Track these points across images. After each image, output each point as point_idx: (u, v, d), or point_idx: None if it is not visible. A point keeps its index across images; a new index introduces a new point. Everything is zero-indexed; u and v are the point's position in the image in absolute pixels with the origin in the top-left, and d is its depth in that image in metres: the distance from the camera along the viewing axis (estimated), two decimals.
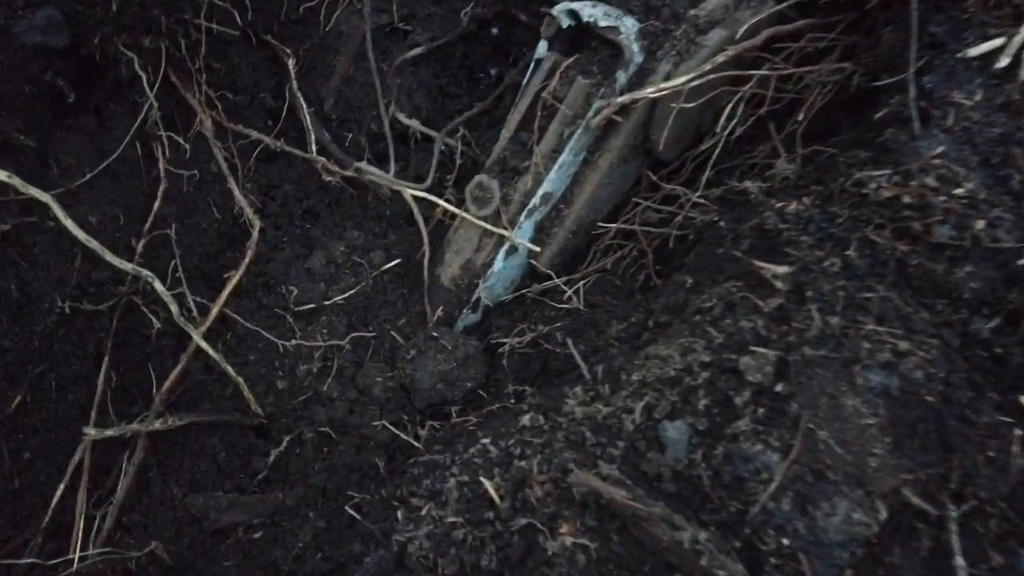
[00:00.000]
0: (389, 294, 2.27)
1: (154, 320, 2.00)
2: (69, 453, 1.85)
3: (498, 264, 2.15)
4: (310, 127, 2.40)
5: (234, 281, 2.14)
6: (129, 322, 2.02)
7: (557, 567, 1.42)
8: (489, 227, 2.10)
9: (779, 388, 1.40)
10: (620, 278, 2.19)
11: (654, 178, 2.11)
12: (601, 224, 2.18)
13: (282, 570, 1.80)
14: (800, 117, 1.91)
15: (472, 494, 1.58)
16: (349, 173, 2.30)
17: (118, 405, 1.98)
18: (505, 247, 2.13)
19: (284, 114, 2.48)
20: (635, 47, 1.94)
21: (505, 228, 2.10)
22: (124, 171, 2.20)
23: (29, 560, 1.78)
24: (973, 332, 1.43)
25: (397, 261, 2.24)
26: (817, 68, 1.87)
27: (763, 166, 2.01)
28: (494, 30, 2.48)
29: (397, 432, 1.97)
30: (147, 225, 2.11)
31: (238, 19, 2.34)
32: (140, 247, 2.05)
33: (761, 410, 1.40)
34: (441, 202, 2.15)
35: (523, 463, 1.59)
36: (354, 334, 2.13)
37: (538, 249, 2.13)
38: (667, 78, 1.94)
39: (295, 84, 2.44)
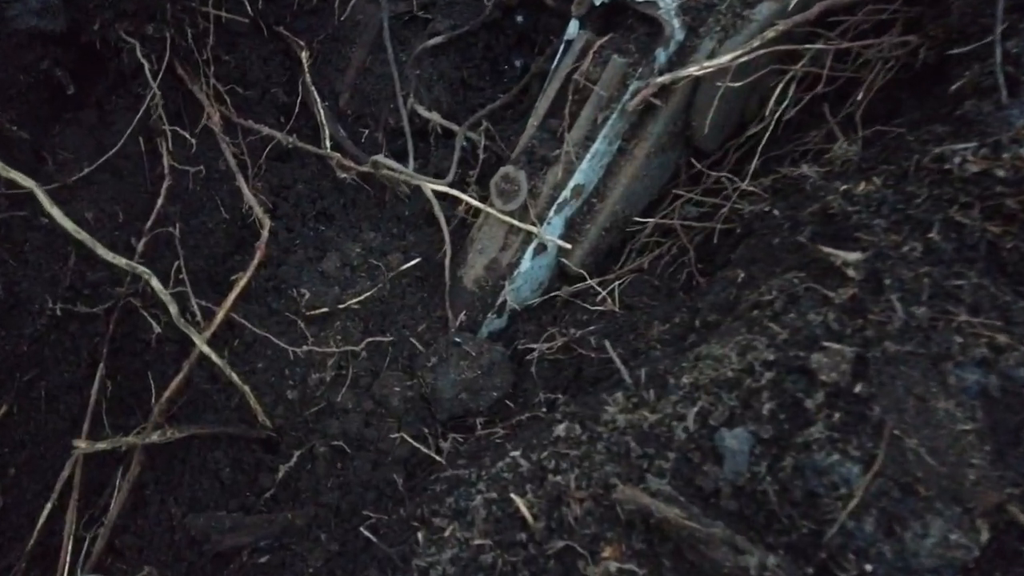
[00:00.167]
0: (408, 298, 2.12)
1: (154, 324, 1.86)
2: (58, 469, 1.70)
3: (525, 264, 1.99)
4: (324, 121, 2.26)
5: (242, 283, 1.99)
6: (127, 326, 1.89)
7: None
8: (516, 223, 1.94)
9: (858, 389, 1.21)
10: (658, 278, 2.02)
11: (699, 166, 1.93)
12: (638, 219, 2.01)
13: None
14: (860, 97, 1.73)
15: (502, 513, 1.41)
16: (365, 168, 2.15)
17: (113, 417, 1.84)
18: (533, 245, 1.97)
19: (297, 110, 2.36)
20: (676, 23, 1.78)
21: (533, 224, 1.93)
22: (126, 167, 2.08)
23: None
24: None
25: (416, 261, 2.09)
26: (879, 42, 1.70)
27: (817, 152, 1.83)
28: (519, 18, 2.34)
29: (417, 446, 1.80)
30: (149, 223, 1.97)
31: (248, 8, 2.21)
32: (140, 246, 1.92)
33: (837, 415, 1.21)
34: (464, 196, 1.99)
35: (559, 478, 1.41)
36: (370, 340, 1.97)
37: (569, 246, 1.96)
38: (711, 56, 1.77)
39: (308, 78, 2.31)
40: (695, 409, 1.33)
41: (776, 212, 1.65)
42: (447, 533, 1.42)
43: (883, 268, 1.30)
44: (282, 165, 2.34)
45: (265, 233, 2.07)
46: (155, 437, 1.71)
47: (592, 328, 1.91)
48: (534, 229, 1.93)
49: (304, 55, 2.31)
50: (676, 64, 1.83)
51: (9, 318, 1.71)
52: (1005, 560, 1.17)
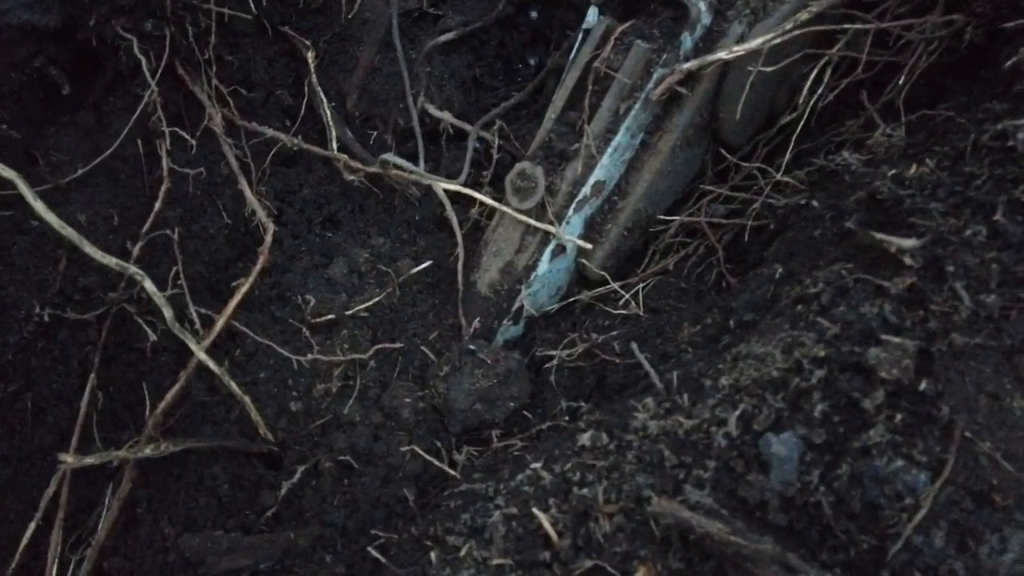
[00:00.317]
0: (419, 305, 2.02)
1: (149, 332, 1.75)
2: (43, 485, 1.59)
3: (543, 266, 1.88)
4: (331, 123, 2.16)
5: (244, 290, 1.88)
6: (120, 334, 1.79)
7: None
8: (533, 222, 1.83)
9: (923, 387, 1.08)
10: (685, 280, 1.91)
11: (731, 158, 1.82)
12: (663, 217, 1.90)
13: None
14: (901, 81, 1.61)
15: (523, 530, 1.28)
16: (374, 169, 2.04)
17: (105, 431, 1.74)
18: (551, 246, 1.86)
19: (303, 112, 2.26)
20: (702, 5, 1.68)
21: (551, 223, 1.82)
22: (123, 170, 1.99)
23: None
24: None
25: (427, 264, 1.97)
26: (921, 21, 1.58)
27: (855, 142, 1.71)
28: (533, 13, 2.25)
29: (429, 459, 1.68)
30: (146, 227, 1.87)
31: (252, 6, 2.12)
32: (136, 251, 1.81)
33: (899, 416, 1.08)
34: (478, 195, 1.89)
35: (585, 491, 1.28)
36: (379, 347, 1.85)
37: (589, 247, 1.84)
38: (740, 41, 1.66)
39: (314, 79, 2.22)
40: (736, 413, 1.20)
41: (815, 203, 1.53)
42: (463, 552, 1.29)
43: (944, 254, 1.17)
44: (287, 170, 2.26)
45: (268, 237, 1.97)
46: (148, 451, 1.59)
47: (615, 333, 1.79)
48: (552, 229, 1.82)
49: (310, 55, 2.22)
50: (703, 50, 1.73)
51: None
52: None
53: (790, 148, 1.73)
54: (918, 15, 1.69)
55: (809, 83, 1.71)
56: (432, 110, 2.18)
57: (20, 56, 1.82)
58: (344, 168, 2.12)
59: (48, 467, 1.65)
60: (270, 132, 2.16)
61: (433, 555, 1.32)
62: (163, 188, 1.95)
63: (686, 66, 1.66)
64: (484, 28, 2.24)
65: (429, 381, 1.85)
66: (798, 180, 1.67)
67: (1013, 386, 1.07)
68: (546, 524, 1.26)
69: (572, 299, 1.98)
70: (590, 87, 1.76)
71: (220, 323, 1.82)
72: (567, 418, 1.62)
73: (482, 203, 2.00)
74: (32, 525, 1.57)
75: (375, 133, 2.27)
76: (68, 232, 1.44)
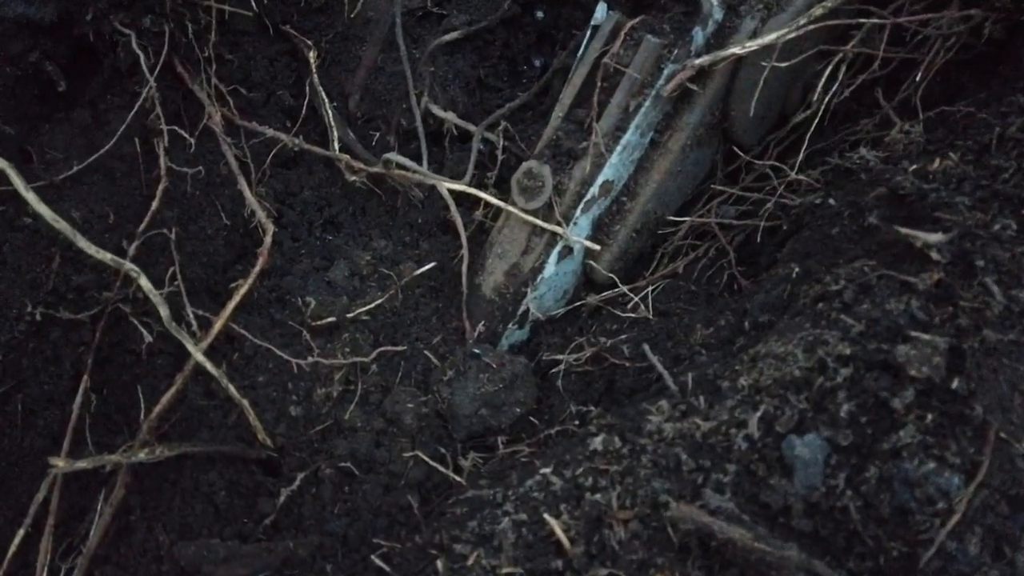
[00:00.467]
0: (421, 308, 1.97)
1: (145, 333, 1.70)
2: (33, 491, 1.53)
3: (550, 268, 1.83)
4: (333, 123, 2.12)
5: (243, 291, 1.83)
6: (115, 335, 1.73)
7: None
8: (540, 223, 1.79)
9: (955, 385, 1.03)
10: (695, 283, 1.86)
11: (745, 157, 1.78)
12: (673, 218, 1.85)
13: None
14: (918, 77, 1.58)
15: (533, 537, 1.23)
16: (376, 169, 2.00)
17: (98, 434, 1.68)
18: (558, 248, 1.82)
19: (304, 113, 2.22)
20: (714, 0, 1.64)
21: (559, 224, 1.77)
22: (120, 168, 1.94)
23: None
24: None
25: (431, 266, 1.93)
26: (938, 16, 1.55)
27: (870, 141, 1.68)
28: (539, 13, 2.22)
29: (434, 465, 1.63)
30: (142, 227, 1.82)
31: (253, 4, 2.09)
32: (132, 250, 1.76)
33: (930, 416, 1.03)
34: (483, 194, 1.84)
35: (598, 496, 1.23)
36: (381, 351, 1.80)
37: (598, 248, 1.80)
38: (753, 36, 1.63)
39: (316, 79, 2.18)
40: (757, 414, 1.16)
41: (832, 201, 1.49)
42: (471, 561, 1.23)
43: (972, 249, 1.13)
44: (287, 172, 2.22)
45: (268, 239, 1.92)
46: (143, 456, 1.54)
47: (624, 337, 1.75)
48: (560, 230, 1.78)
49: (312, 55, 2.19)
50: (714, 46, 1.69)
51: None
52: None
53: (804, 146, 1.69)
54: (934, 10, 1.66)
55: (824, 80, 1.66)
56: (436, 110, 2.14)
57: (15, 50, 1.77)
58: (346, 168, 2.07)
59: (38, 471, 1.59)
60: (270, 132, 2.12)
61: (439, 563, 1.26)
62: (160, 187, 1.90)
63: (698, 62, 1.62)
64: (489, 28, 2.21)
65: (432, 386, 1.80)
66: (812, 179, 1.63)
67: None
68: (558, 531, 1.20)
69: (578, 303, 1.93)
70: (599, 84, 1.72)
71: (218, 324, 1.76)
72: (576, 423, 1.57)
73: (486, 205, 1.96)
74: (21, 532, 1.52)
75: (377, 134, 2.23)
76: (61, 226, 1.39)
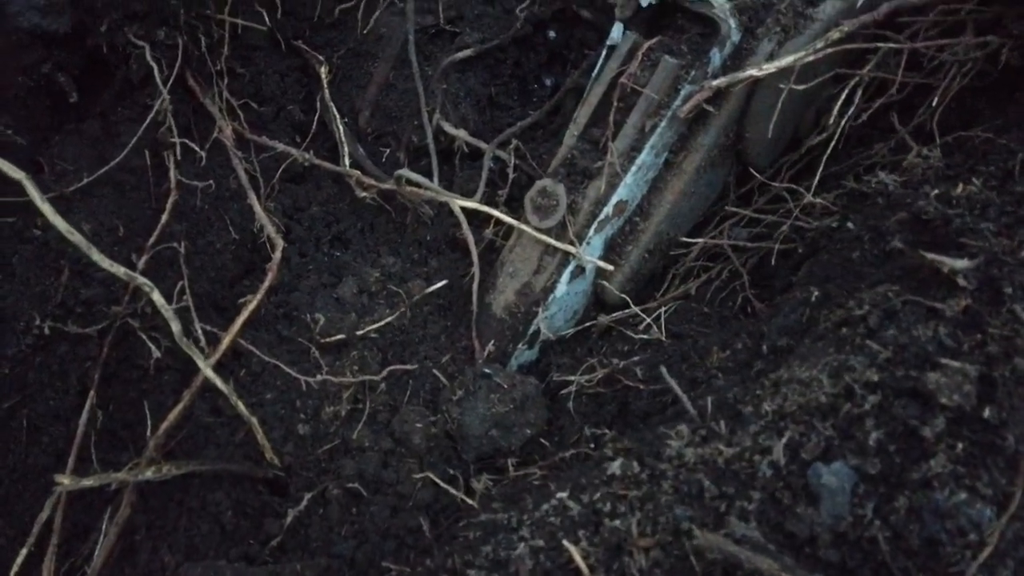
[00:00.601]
0: (430, 327, 1.95)
1: (153, 349, 1.67)
2: (37, 509, 1.50)
3: (561, 288, 1.82)
4: (343, 139, 2.11)
5: (251, 307, 1.81)
6: (123, 350, 1.71)
7: None
8: (553, 242, 1.77)
9: (986, 414, 1.02)
10: (708, 304, 1.84)
11: (761, 178, 1.78)
12: (685, 239, 1.85)
13: None
14: (935, 102, 1.58)
15: (551, 564, 1.20)
16: (387, 185, 1.99)
17: (103, 451, 1.66)
18: (570, 268, 1.81)
19: (314, 129, 2.21)
20: (732, 22, 1.64)
21: (572, 243, 1.76)
22: (129, 181, 1.93)
23: None
24: None
25: (441, 284, 1.91)
26: (955, 42, 1.55)
27: (886, 165, 1.67)
28: (551, 33, 2.21)
29: (444, 486, 1.60)
30: (152, 240, 1.80)
31: (266, 18, 2.09)
32: (142, 264, 1.74)
33: (961, 445, 1.02)
34: (496, 212, 1.83)
35: (617, 522, 1.21)
36: (390, 368, 1.78)
37: (611, 268, 1.79)
38: (770, 59, 1.63)
39: (327, 94, 2.18)
40: (783, 441, 1.14)
41: (851, 225, 1.48)
42: None
43: (1000, 275, 1.12)
44: (296, 187, 2.21)
45: (277, 254, 1.90)
46: (149, 474, 1.51)
47: (637, 358, 1.73)
48: (573, 249, 1.77)
49: (323, 71, 2.18)
50: (731, 68, 1.69)
51: None
52: None
53: (819, 170, 1.68)
54: (950, 36, 1.66)
55: (839, 104, 1.66)
56: (447, 127, 2.14)
57: (28, 61, 1.77)
58: (356, 184, 2.06)
59: (42, 489, 1.57)
60: (280, 147, 2.11)
61: None
62: (170, 200, 1.89)
63: (715, 83, 1.62)
64: (501, 47, 2.21)
65: (442, 406, 1.77)
66: (827, 202, 1.62)
67: None
68: (577, 558, 1.18)
69: (589, 323, 1.92)
70: (615, 104, 1.72)
71: (227, 340, 1.74)
72: (591, 446, 1.55)
73: (497, 223, 1.94)
74: (23, 551, 1.48)
75: (387, 151, 2.22)
76: (76, 238, 1.37)
